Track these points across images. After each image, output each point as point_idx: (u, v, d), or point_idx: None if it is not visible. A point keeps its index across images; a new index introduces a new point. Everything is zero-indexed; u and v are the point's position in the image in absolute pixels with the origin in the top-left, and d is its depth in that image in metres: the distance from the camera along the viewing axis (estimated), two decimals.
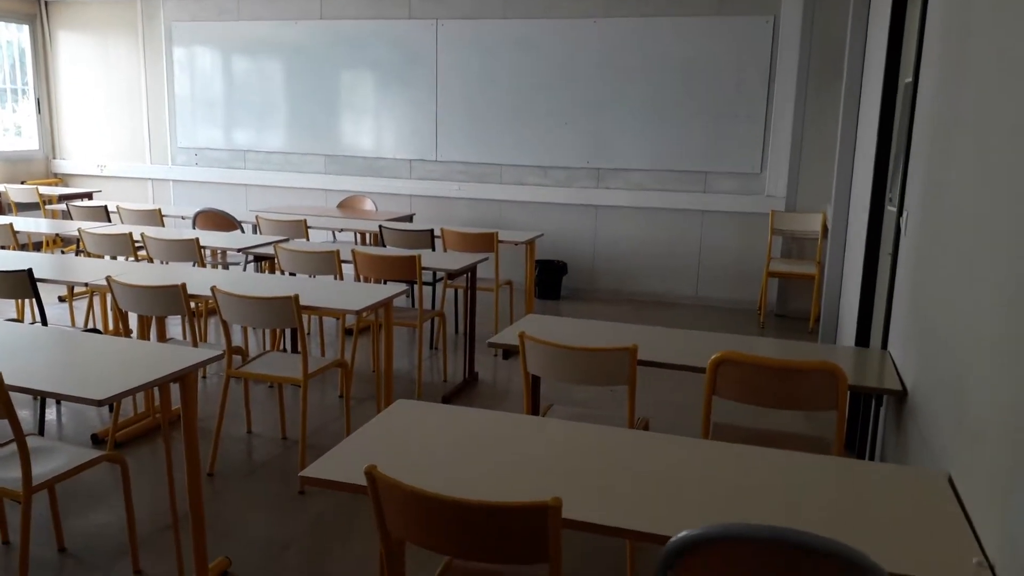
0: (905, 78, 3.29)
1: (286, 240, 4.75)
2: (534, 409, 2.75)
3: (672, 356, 2.56)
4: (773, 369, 2.29)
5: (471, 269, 4.38)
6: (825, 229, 5.85)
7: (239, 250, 4.53)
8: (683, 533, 1.35)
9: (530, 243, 5.24)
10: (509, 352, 4.96)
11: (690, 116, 6.38)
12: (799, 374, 2.28)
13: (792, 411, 2.44)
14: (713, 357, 2.33)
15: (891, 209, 3.26)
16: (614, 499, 1.59)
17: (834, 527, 1.50)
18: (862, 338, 3.57)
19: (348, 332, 5.20)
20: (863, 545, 1.32)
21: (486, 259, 4.55)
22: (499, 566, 1.84)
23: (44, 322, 3.58)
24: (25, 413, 3.84)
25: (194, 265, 4.37)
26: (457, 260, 4.38)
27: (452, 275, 4.47)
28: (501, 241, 5.06)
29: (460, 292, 5.34)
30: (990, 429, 1.53)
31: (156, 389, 2.32)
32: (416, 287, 4.19)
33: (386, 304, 3.42)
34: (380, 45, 7.12)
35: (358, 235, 5.82)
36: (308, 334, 5.13)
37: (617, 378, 2.47)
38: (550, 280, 6.68)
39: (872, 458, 2.98)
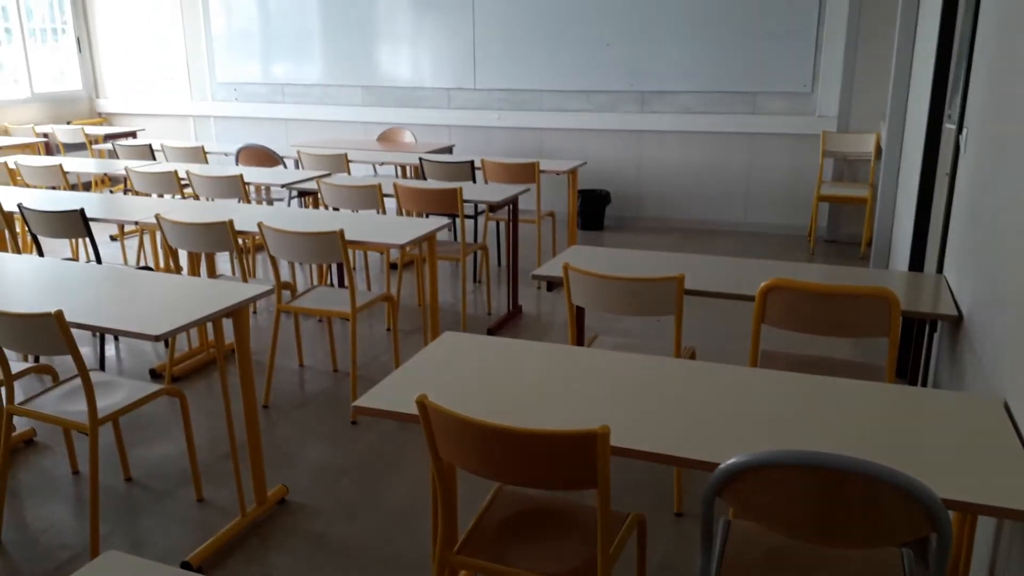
0: None
1: (328, 175, 4.76)
2: (579, 340, 2.76)
3: (719, 285, 2.53)
4: (823, 295, 2.25)
5: (513, 201, 4.35)
6: (879, 150, 5.64)
7: (283, 186, 4.56)
8: (732, 459, 1.36)
9: (572, 172, 5.17)
10: (553, 284, 4.95)
11: (737, 34, 6.13)
12: (850, 300, 2.24)
13: (843, 338, 2.40)
14: (762, 285, 2.29)
15: (950, 126, 3.12)
16: (662, 427, 1.60)
17: (885, 454, 1.48)
18: (916, 263, 3.48)
19: (393, 266, 5.24)
20: (915, 472, 1.30)
21: (527, 190, 4.51)
22: (549, 492, 1.88)
23: (98, 260, 3.67)
24: (86, 350, 3.98)
25: (239, 201, 4.42)
26: (498, 192, 4.35)
27: (494, 207, 4.44)
28: (542, 171, 5.00)
29: (502, 224, 5.32)
30: None
31: (210, 324, 2.38)
32: (458, 220, 4.18)
33: (429, 238, 3.43)
34: None
35: (399, 168, 5.80)
36: (354, 268, 5.19)
37: (663, 308, 2.45)
38: (593, 210, 6.61)
39: (925, 385, 2.94)
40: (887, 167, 4.57)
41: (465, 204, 4.14)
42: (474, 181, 4.89)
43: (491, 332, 4.20)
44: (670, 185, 6.66)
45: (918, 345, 2.90)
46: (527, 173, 4.95)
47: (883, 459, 1.30)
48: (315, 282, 4.78)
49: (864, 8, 5.71)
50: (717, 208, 6.57)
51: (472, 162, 4.99)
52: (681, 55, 6.33)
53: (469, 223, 5.45)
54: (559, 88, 6.75)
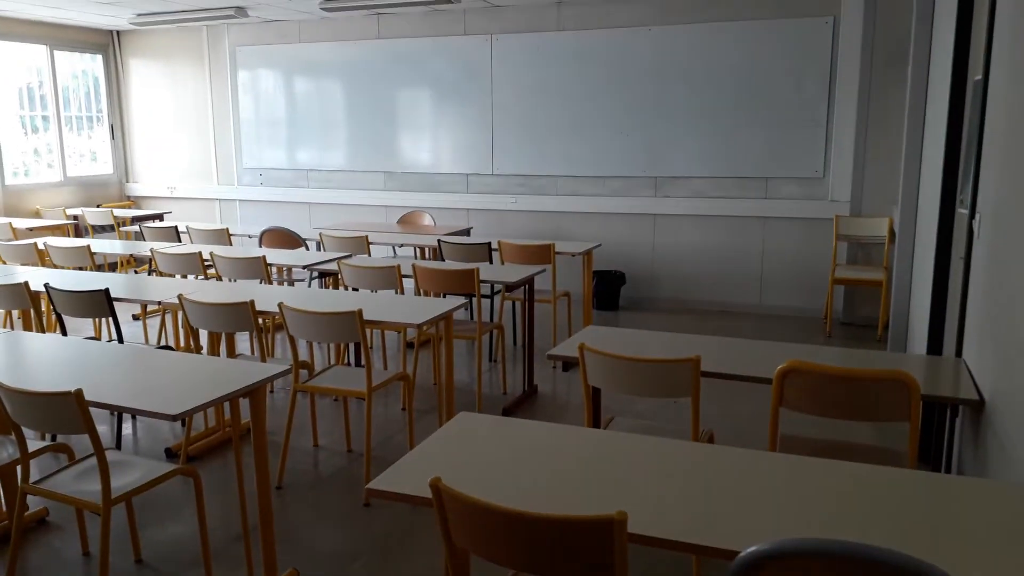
0: (974, 75, 3.18)
1: (349, 256, 4.84)
2: (595, 422, 2.74)
3: (736, 367, 2.52)
4: (842, 379, 2.23)
5: (528, 281, 4.39)
6: (892, 234, 5.68)
7: (304, 267, 4.64)
8: (752, 548, 1.33)
9: (587, 254, 5.23)
10: (569, 364, 4.94)
11: (749, 121, 6.28)
12: (869, 384, 2.22)
13: (862, 422, 2.38)
14: (780, 367, 2.28)
15: (962, 211, 3.15)
16: (680, 513, 1.57)
17: (910, 543, 1.44)
18: (934, 346, 3.45)
19: (409, 345, 5.26)
20: (941, 563, 1.27)
21: (543, 271, 4.56)
22: None
23: (120, 339, 3.72)
24: (103, 428, 3.99)
25: (261, 282, 4.49)
26: (515, 272, 4.40)
27: (510, 287, 4.49)
28: (558, 252, 5.06)
29: (518, 304, 5.36)
30: None
31: (227, 404, 2.39)
32: (475, 300, 4.22)
33: (446, 317, 3.46)
34: (436, 62, 7.23)
35: (417, 250, 5.90)
36: (371, 348, 5.22)
37: (680, 390, 2.44)
38: (608, 291, 6.64)
39: (948, 471, 2.87)
40: (901, 251, 4.59)
41: (482, 284, 4.19)
42: (491, 262, 4.96)
43: (507, 412, 4.17)
44: (685, 267, 6.71)
45: (940, 429, 2.85)
46: (543, 254, 5.01)
47: (908, 549, 1.27)
48: (333, 361, 4.80)
49: (873, 95, 5.85)
50: (732, 290, 6.59)
51: (489, 244, 5.07)
52: (694, 142, 6.47)
53: (485, 303, 5.49)
54: (574, 174, 6.90)
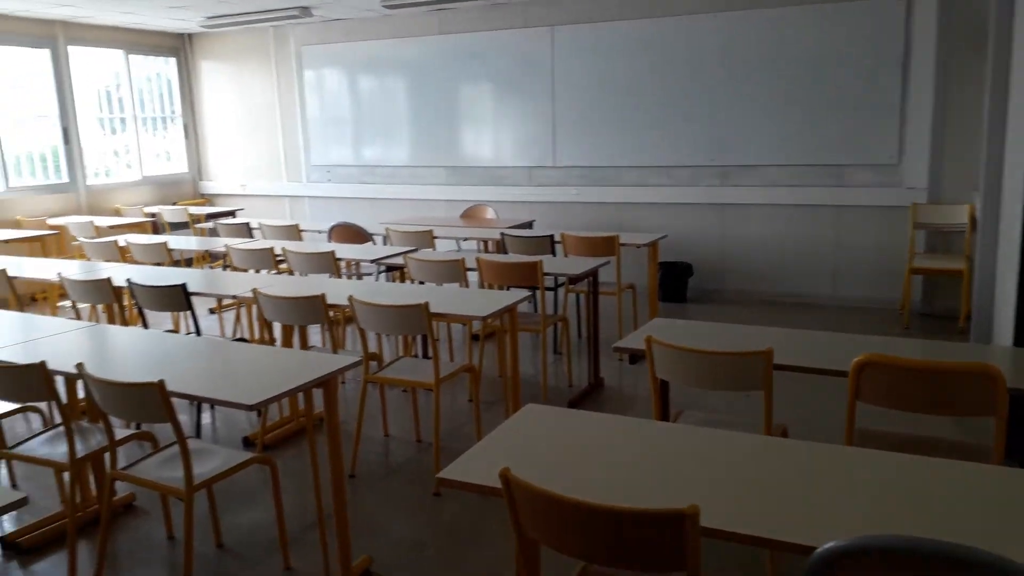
0: None
1: (414, 250, 4.91)
2: (663, 415, 2.71)
3: (810, 360, 2.46)
4: (922, 372, 2.16)
5: (592, 273, 4.37)
6: (973, 221, 5.45)
7: (372, 261, 4.72)
8: (830, 544, 1.30)
9: (653, 245, 5.17)
10: (635, 356, 4.91)
11: (820, 107, 6.11)
12: (951, 377, 2.14)
13: (943, 417, 2.29)
14: (856, 360, 2.22)
15: None
16: (754, 508, 1.55)
17: (995, 542, 1.39)
18: (1021, 337, 3.30)
19: (475, 338, 5.31)
20: None
21: (607, 263, 4.53)
22: (636, 573, 1.83)
23: (198, 332, 3.86)
24: (184, 417, 4.15)
25: (331, 276, 4.59)
26: (578, 265, 4.38)
27: (574, 280, 4.48)
28: (623, 244, 5.03)
29: (582, 297, 5.34)
30: None
31: (300, 394, 2.46)
32: (539, 292, 4.23)
33: (510, 310, 3.47)
34: (497, 55, 7.24)
35: (481, 243, 5.94)
36: (437, 340, 5.29)
37: (751, 383, 2.40)
38: (675, 282, 6.56)
39: None
40: (984, 239, 4.40)
41: (545, 277, 4.19)
42: (554, 255, 4.95)
43: (572, 405, 4.17)
44: (755, 257, 6.57)
45: None
46: (607, 246, 4.98)
47: (995, 548, 1.22)
48: (401, 353, 4.87)
49: (949, 78, 5.62)
50: (804, 281, 6.43)
51: (552, 236, 5.06)
52: (763, 130, 6.33)
53: (549, 295, 5.49)
54: (639, 164, 6.83)
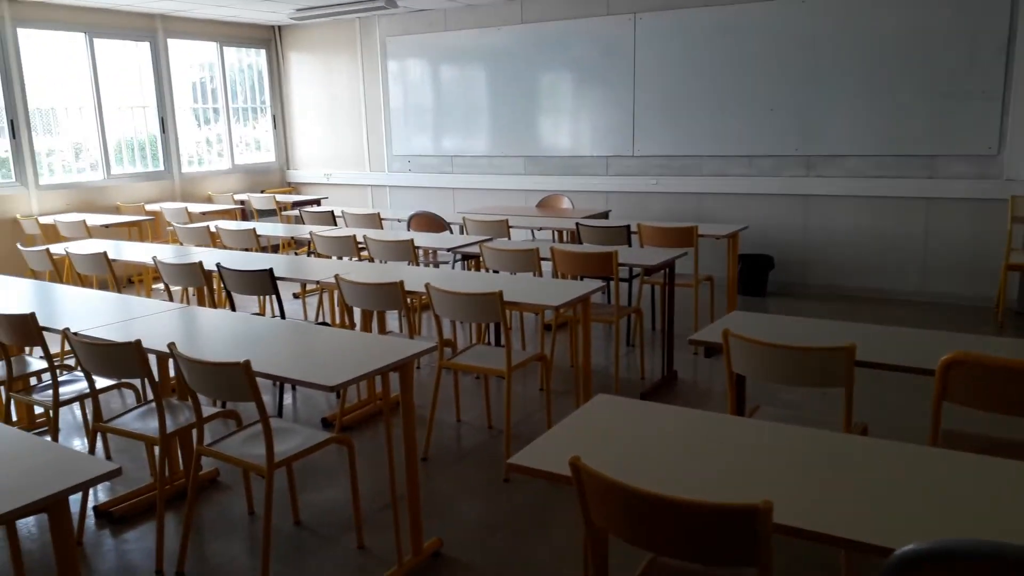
0: None
1: (490, 239, 4.94)
2: (739, 410, 2.66)
3: (894, 357, 2.37)
4: (1015, 372, 2.05)
5: (669, 265, 4.31)
6: None
7: (448, 249, 4.78)
8: (910, 546, 1.25)
9: (733, 236, 5.06)
10: (711, 350, 4.82)
11: (912, 94, 5.84)
12: None
13: None
14: (944, 358, 2.13)
15: None
16: (830, 506, 1.51)
17: None
18: None
19: (547, 327, 5.32)
20: None
21: (685, 254, 4.46)
22: (705, 567, 1.81)
23: (282, 315, 3.99)
24: (267, 397, 4.30)
25: (409, 264, 4.67)
26: (654, 256, 4.33)
27: (649, 271, 4.43)
28: (701, 235, 4.94)
29: (657, 288, 5.28)
30: None
31: (378, 377, 2.52)
32: (613, 283, 4.20)
33: (583, 300, 3.46)
34: (578, 44, 7.20)
35: (556, 233, 5.93)
36: (510, 328, 5.33)
37: (831, 380, 2.33)
38: (755, 275, 6.41)
39: None
40: None
41: (620, 267, 4.16)
42: (630, 245, 4.91)
43: (644, 397, 4.14)
44: (839, 251, 6.35)
45: None
46: (685, 237, 4.90)
47: None
48: (474, 340, 4.93)
49: None
50: (891, 276, 6.18)
51: (628, 226, 5.01)
52: (851, 118, 6.10)
53: (624, 286, 5.45)
54: (720, 153, 6.69)
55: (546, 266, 4.34)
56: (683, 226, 4.93)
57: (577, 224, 5.16)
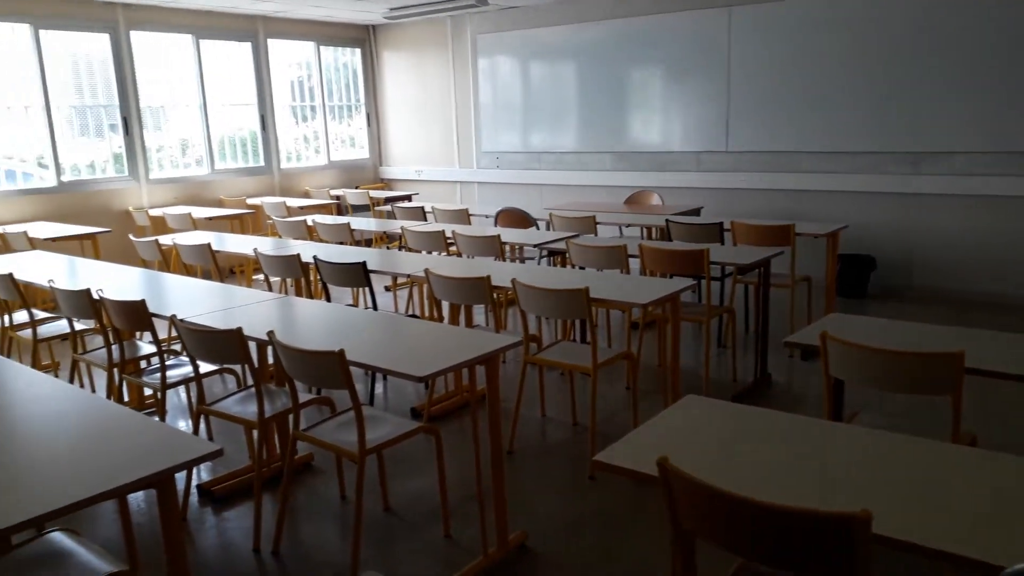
0: None
1: (576, 236, 4.93)
2: (836, 415, 2.57)
3: (1008, 365, 2.23)
4: None
5: (764, 264, 4.19)
6: None
7: (534, 245, 4.79)
8: (1019, 565, 1.18)
9: (832, 235, 4.88)
10: (808, 353, 4.67)
11: None
12: None
13: None
14: None
15: None
16: (932, 518, 1.43)
17: None
18: None
19: (634, 326, 5.26)
20: None
21: (781, 253, 4.33)
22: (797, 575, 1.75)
23: (375, 307, 4.09)
24: (359, 386, 4.41)
25: (495, 259, 4.71)
26: (748, 254, 4.22)
27: (743, 270, 4.31)
28: (798, 234, 4.78)
29: (751, 288, 5.14)
30: None
31: (465, 370, 2.55)
32: (704, 282, 4.11)
33: (673, 298, 3.41)
34: (670, 39, 7.08)
35: (644, 230, 5.86)
36: (596, 326, 5.29)
37: (938, 387, 2.22)
38: (855, 276, 6.16)
39: None
40: None
41: (712, 266, 4.07)
42: (722, 243, 4.79)
43: (736, 400, 4.04)
44: (947, 252, 6.03)
45: None
46: (781, 236, 4.75)
47: None
48: (559, 337, 4.92)
49: None
50: (1004, 279, 5.82)
51: (720, 224, 4.90)
52: (960, 113, 5.77)
53: (715, 286, 5.33)
54: (818, 149, 6.45)
55: (634, 263, 4.29)
56: (779, 224, 4.78)
57: (667, 220, 5.08)
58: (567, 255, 4.52)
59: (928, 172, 6.00)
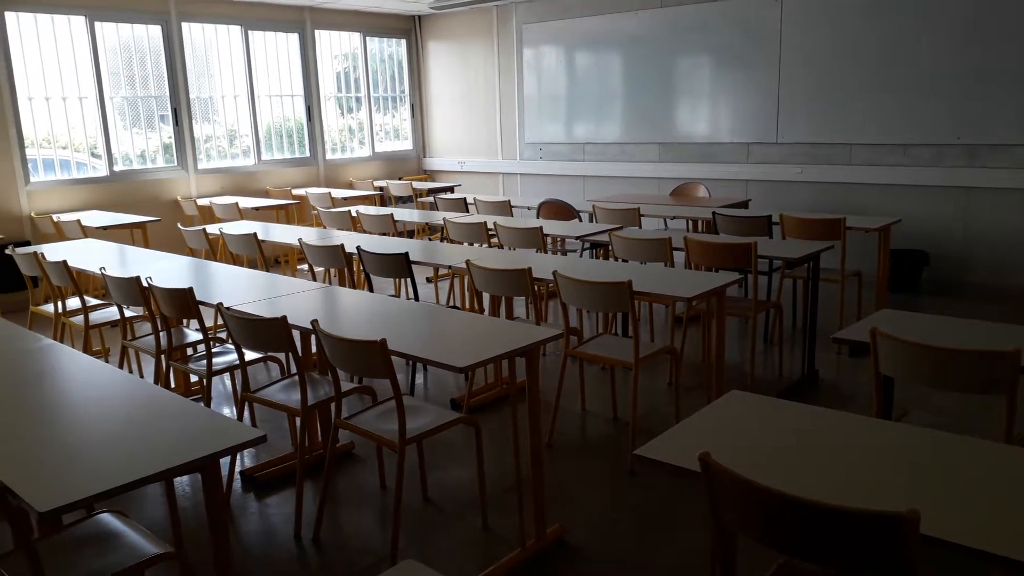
0: None
1: (620, 228, 4.88)
2: (885, 413, 2.50)
3: None
4: None
5: (813, 258, 4.10)
6: None
7: (577, 237, 4.76)
8: None
9: (884, 230, 4.75)
10: (857, 350, 4.56)
11: None
12: None
13: None
14: None
15: None
16: (985, 520, 1.38)
17: None
18: None
19: (677, 320, 5.20)
20: None
21: (831, 247, 4.23)
22: (840, 573, 1.71)
23: (416, 298, 4.11)
24: (400, 376, 4.45)
25: (537, 251, 4.69)
26: (797, 248, 4.13)
27: (791, 264, 4.22)
28: (849, 228, 4.66)
29: (799, 283, 5.03)
30: None
31: (504, 362, 2.54)
32: (751, 276, 4.04)
33: (718, 293, 3.35)
34: (719, 27, 6.96)
35: (690, 222, 5.78)
36: (638, 320, 5.24)
37: (992, 386, 2.14)
38: (907, 272, 6.00)
39: None
40: None
41: (760, 260, 4.00)
42: (770, 236, 4.70)
43: (782, 396, 3.96)
44: (1004, 248, 5.83)
45: None
46: (831, 230, 4.64)
47: None
48: (601, 330, 4.89)
49: None
50: None
51: (769, 217, 4.81)
52: (1021, 104, 5.56)
53: (763, 280, 5.23)
54: (871, 141, 6.28)
55: (678, 256, 4.23)
56: (830, 217, 4.67)
57: (714, 213, 5.00)
58: (610, 248, 4.48)
59: (986, 165, 5.80)
